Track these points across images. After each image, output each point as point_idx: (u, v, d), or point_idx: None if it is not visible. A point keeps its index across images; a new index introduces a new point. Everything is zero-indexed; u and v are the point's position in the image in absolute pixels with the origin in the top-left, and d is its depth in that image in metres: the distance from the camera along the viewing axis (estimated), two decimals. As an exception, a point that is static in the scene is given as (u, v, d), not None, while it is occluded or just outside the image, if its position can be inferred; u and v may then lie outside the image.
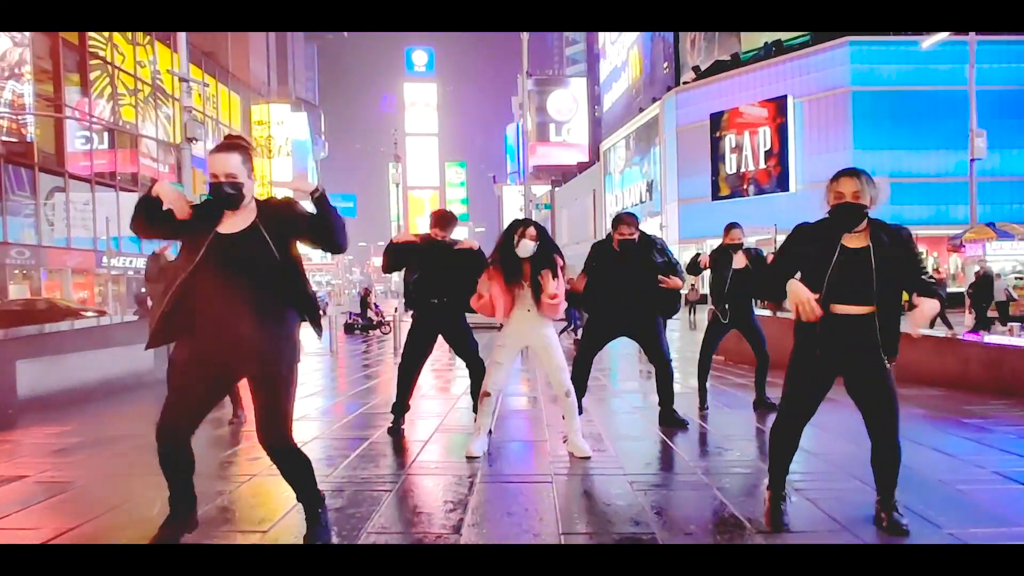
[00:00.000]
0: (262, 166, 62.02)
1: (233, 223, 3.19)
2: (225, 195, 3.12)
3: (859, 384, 3.58)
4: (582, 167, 75.26)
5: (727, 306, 6.97)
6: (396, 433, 6.15)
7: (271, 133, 62.57)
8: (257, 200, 3.27)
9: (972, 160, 24.99)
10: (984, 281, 19.14)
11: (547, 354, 5.29)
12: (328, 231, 3.19)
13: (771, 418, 6.69)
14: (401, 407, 6.24)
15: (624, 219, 6.17)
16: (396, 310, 26.54)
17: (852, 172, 3.45)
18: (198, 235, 3.14)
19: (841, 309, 3.46)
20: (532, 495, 4.33)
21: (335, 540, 3.54)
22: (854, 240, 3.49)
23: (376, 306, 24.74)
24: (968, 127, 23.71)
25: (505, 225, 5.43)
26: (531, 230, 5.17)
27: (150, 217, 3.14)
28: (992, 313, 19.77)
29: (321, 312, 3.43)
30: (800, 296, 3.39)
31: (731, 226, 6.99)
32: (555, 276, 5.12)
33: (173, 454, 3.20)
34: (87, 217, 38.49)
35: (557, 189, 77.86)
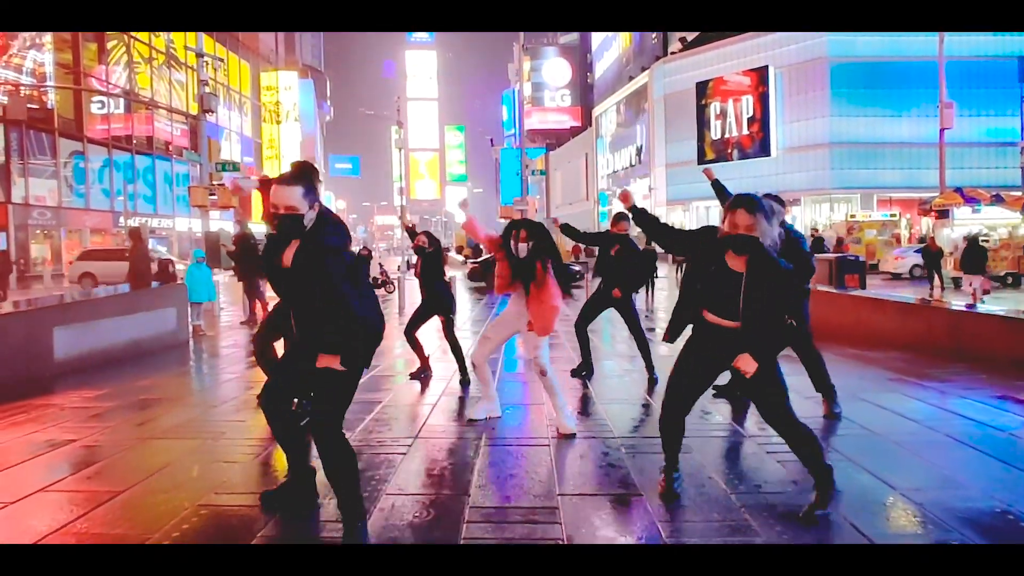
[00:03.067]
0: (271, 131, 61.57)
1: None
2: (285, 227, 3.07)
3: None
4: (575, 131, 74.60)
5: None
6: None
7: (279, 99, 61.97)
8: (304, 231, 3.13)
9: (942, 130, 25.02)
10: (930, 254, 19.60)
11: (533, 343, 5.16)
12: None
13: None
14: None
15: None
16: (399, 268, 26.69)
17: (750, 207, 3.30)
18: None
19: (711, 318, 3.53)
20: (532, 458, 4.52)
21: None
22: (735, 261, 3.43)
23: (380, 265, 24.78)
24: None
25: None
26: (523, 233, 5.11)
27: None
28: (956, 273, 20.05)
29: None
30: None
31: (619, 217, 6.87)
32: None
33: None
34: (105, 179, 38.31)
35: (551, 152, 77.25)
